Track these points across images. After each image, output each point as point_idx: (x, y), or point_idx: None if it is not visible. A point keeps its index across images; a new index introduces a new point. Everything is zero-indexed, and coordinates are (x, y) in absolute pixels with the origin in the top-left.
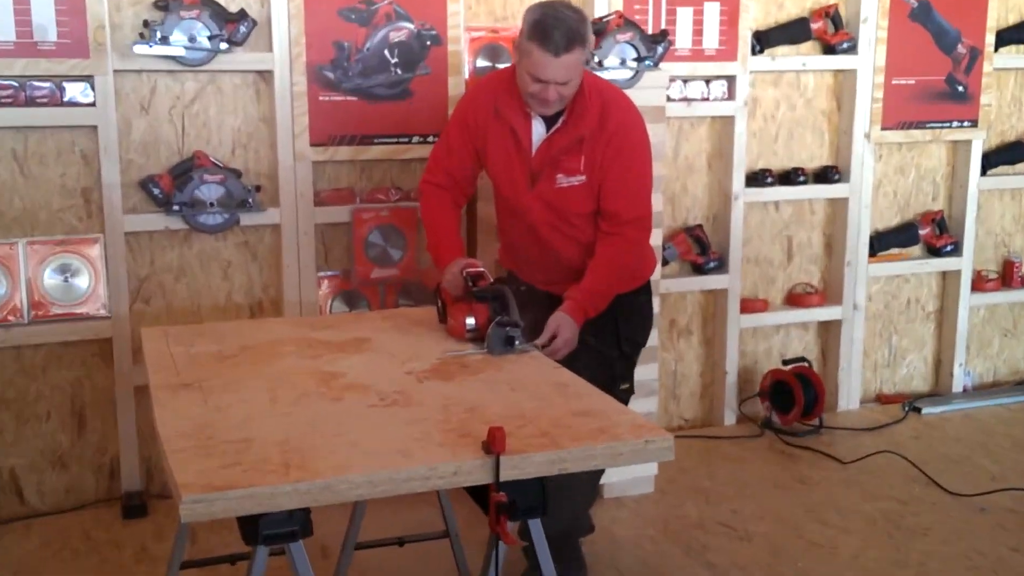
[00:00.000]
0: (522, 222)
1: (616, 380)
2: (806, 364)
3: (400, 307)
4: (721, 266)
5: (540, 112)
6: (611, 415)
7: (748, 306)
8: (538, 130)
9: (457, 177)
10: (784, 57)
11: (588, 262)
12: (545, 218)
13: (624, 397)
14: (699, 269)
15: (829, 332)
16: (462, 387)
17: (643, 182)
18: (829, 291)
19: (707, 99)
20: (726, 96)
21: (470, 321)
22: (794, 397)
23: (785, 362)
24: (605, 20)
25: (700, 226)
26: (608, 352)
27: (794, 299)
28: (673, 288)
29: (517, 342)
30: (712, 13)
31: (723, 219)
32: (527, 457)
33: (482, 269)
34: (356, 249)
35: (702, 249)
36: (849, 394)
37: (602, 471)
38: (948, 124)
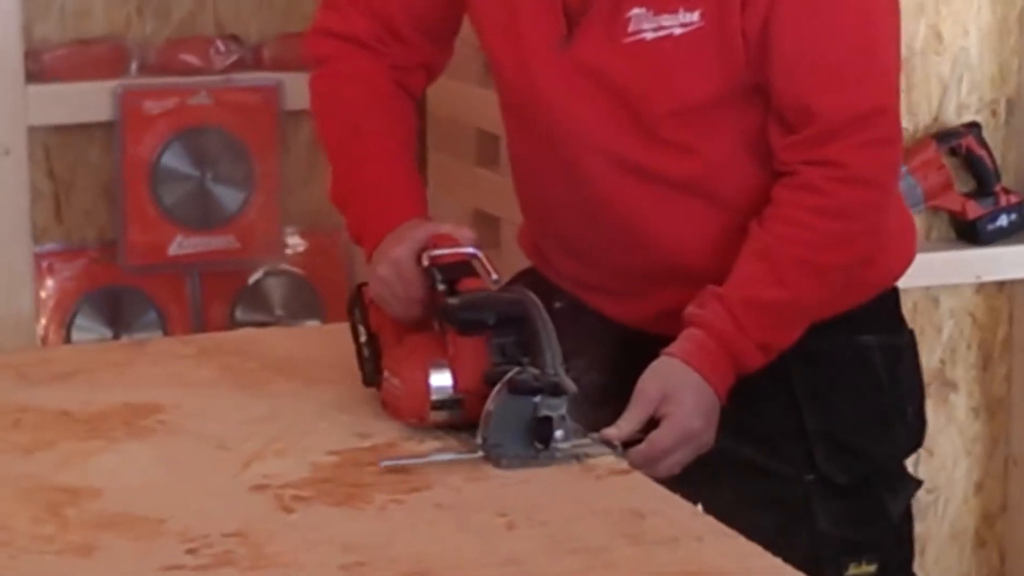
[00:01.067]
0: (548, 147)
1: (829, 555)
2: None
3: (243, 328)
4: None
5: None
6: None
7: None
8: None
9: (401, 19)
10: None
11: (739, 245)
12: (599, 128)
13: None
14: (969, 231)
15: None
16: (389, 522)
17: (872, 27)
18: None
19: None
20: None
21: (439, 380)
22: None
23: None
24: None
25: (973, 129)
26: (787, 474)
27: None
28: (915, 281)
29: (561, 436)
30: None
31: None
32: None
33: (469, 249)
34: (130, 191)
35: (980, 182)
36: None
37: None
38: None
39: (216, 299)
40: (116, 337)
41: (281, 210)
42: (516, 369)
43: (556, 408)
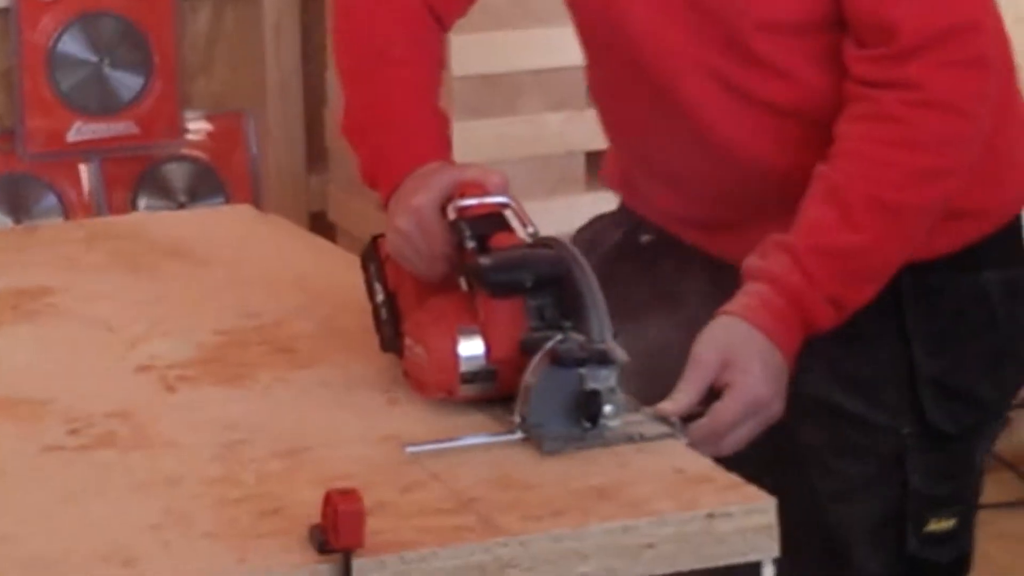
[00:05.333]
0: (635, 72)
1: (914, 509)
2: None
3: (143, 210)
4: None
5: None
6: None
7: None
8: None
9: None
10: None
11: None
12: (691, 46)
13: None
14: None
15: None
16: (273, 400)
17: None
18: None
19: None
20: None
21: (470, 348)
22: None
23: None
24: None
25: None
26: (884, 425)
27: None
28: None
29: (611, 412)
30: None
31: None
32: (426, 555)
33: (500, 199)
34: (27, 78)
35: None
36: None
37: None
38: None
39: (118, 186)
40: (17, 224)
41: (181, 95)
42: (558, 336)
43: (605, 380)
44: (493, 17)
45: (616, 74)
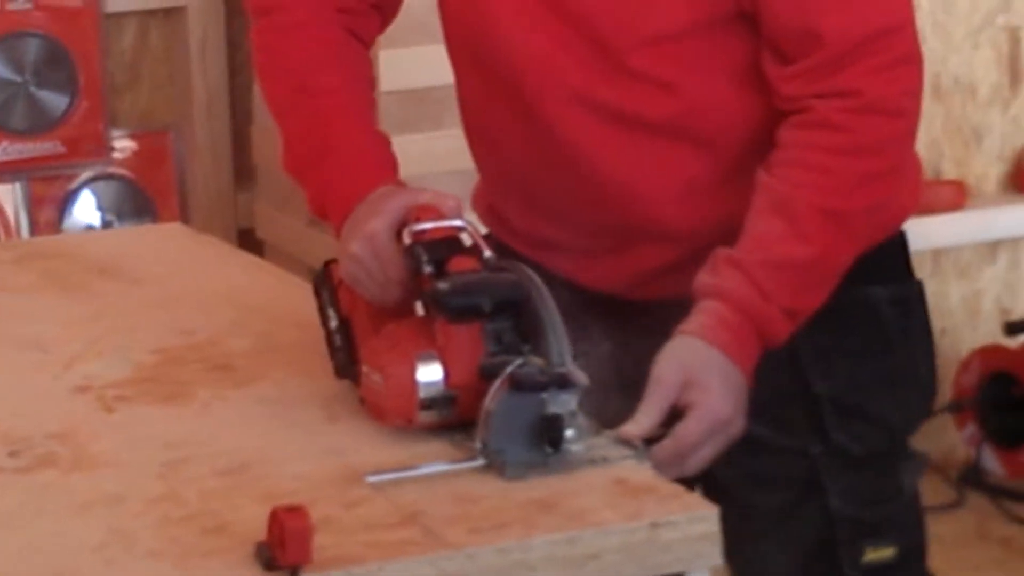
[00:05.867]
0: (504, 90)
1: (845, 536)
2: None
3: (70, 230)
4: None
5: None
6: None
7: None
8: None
9: None
10: None
11: (726, 195)
12: (562, 64)
13: None
14: None
15: None
16: (212, 418)
17: None
18: None
19: None
20: None
21: (428, 374)
22: None
23: (1013, 327)
24: None
25: None
26: (791, 447)
27: None
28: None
29: (573, 436)
30: None
31: None
32: (372, 570)
33: (456, 222)
34: None
35: None
36: None
37: None
38: None
39: (44, 205)
40: None
41: (107, 113)
42: (518, 361)
43: (566, 404)
44: (420, 32)
45: (485, 92)
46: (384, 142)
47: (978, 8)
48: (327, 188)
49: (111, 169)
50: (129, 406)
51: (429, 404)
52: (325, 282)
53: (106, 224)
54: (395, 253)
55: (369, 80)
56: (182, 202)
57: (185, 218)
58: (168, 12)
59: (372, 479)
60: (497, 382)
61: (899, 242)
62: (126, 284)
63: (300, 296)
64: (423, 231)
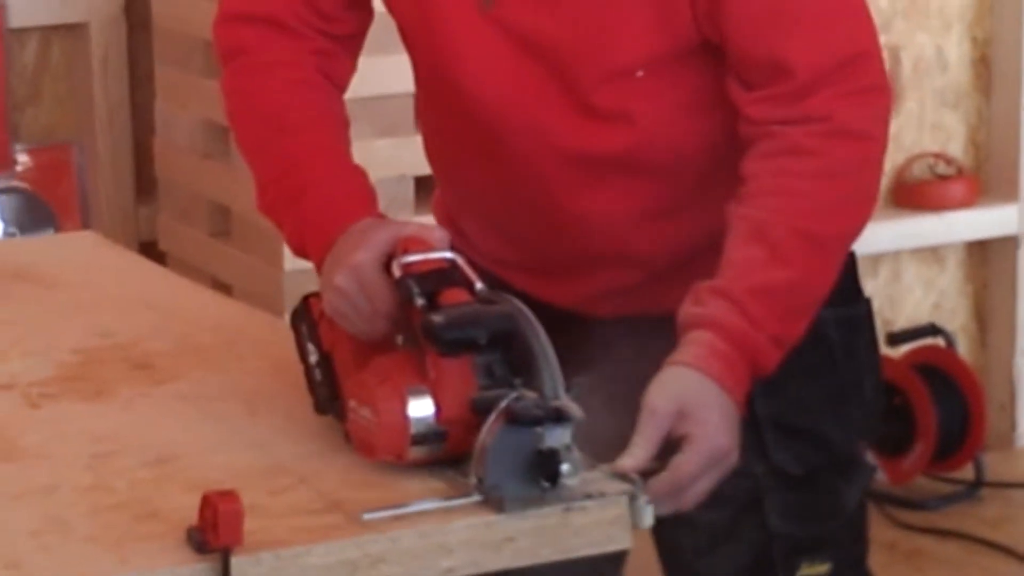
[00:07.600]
0: (466, 121)
1: (781, 553)
2: (941, 342)
3: None
4: None
5: None
6: None
7: None
8: None
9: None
10: None
11: (678, 222)
12: (525, 101)
13: None
14: None
15: (991, 266)
16: (136, 414)
17: None
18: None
19: None
20: None
21: (419, 409)
22: (914, 419)
23: (895, 338)
24: None
25: None
26: (737, 468)
27: (908, 193)
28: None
29: (568, 470)
30: None
31: None
32: (300, 552)
33: (446, 254)
34: None
35: None
36: None
37: None
38: None
39: None
40: None
41: (10, 127)
42: (512, 395)
43: (561, 438)
44: None
45: (447, 120)
46: (362, 176)
47: None
48: (306, 224)
49: (13, 183)
50: (55, 403)
51: (420, 439)
52: (304, 316)
53: (9, 235)
54: (382, 286)
55: (344, 120)
56: (84, 215)
57: (87, 230)
58: (70, 28)
59: (368, 516)
60: (492, 416)
61: (849, 263)
62: (43, 289)
63: (213, 302)
64: (413, 263)
